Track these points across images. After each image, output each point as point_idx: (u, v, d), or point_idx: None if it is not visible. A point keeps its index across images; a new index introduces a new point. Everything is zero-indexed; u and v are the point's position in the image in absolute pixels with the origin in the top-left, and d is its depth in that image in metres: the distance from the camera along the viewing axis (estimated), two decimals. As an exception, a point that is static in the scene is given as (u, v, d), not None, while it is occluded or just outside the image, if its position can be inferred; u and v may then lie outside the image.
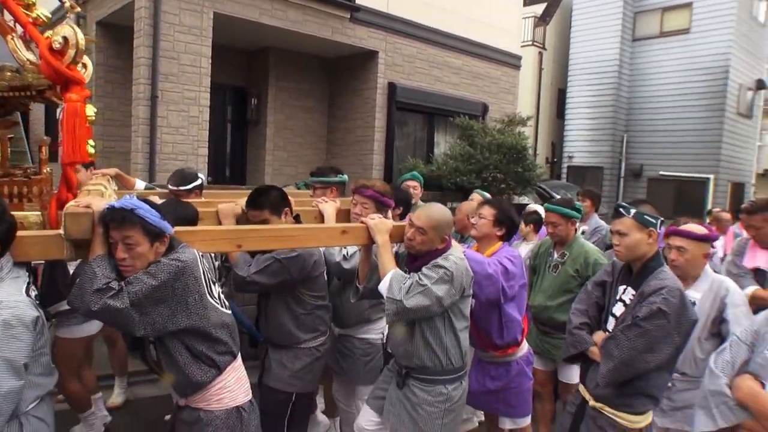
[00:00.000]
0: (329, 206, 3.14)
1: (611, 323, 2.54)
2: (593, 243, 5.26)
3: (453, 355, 2.55)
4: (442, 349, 2.52)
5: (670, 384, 2.75)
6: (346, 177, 3.97)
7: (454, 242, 2.67)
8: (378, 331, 3.34)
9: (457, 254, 2.55)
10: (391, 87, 8.65)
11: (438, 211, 2.61)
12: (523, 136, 8.74)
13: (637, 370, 2.35)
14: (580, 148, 16.75)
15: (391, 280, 2.44)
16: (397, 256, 2.73)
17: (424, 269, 2.46)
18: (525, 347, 3.23)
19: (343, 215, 3.17)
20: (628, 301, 2.49)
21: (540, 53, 16.38)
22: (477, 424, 4.09)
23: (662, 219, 2.52)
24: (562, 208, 3.75)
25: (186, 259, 1.94)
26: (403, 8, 8.69)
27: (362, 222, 2.64)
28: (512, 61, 10.55)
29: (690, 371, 2.87)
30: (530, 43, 16.07)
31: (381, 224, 2.59)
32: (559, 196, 10.34)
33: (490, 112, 10.09)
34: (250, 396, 2.17)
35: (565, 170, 17.01)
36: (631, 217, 2.48)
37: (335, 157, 9.37)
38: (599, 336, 2.54)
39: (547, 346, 3.71)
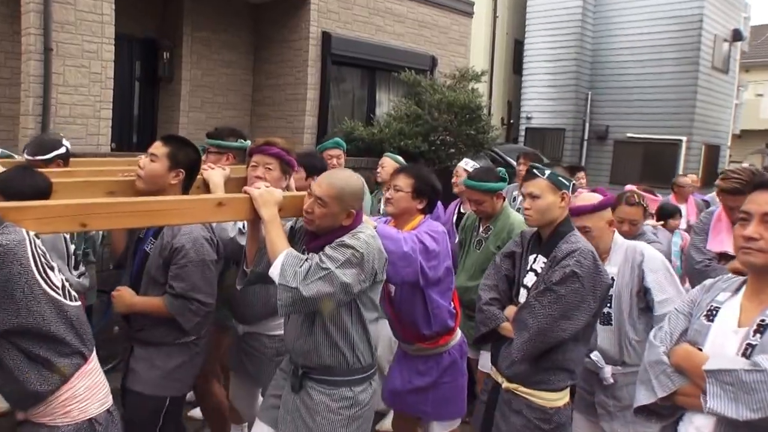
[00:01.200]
0: (216, 173, 3.01)
1: (523, 296, 2.71)
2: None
3: (361, 352, 2.48)
4: (347, 344, 2.45)
5: (612, 380, 2.97)
6: (249, 143, 3.80)
7: (365, 218, 2.67)
8: None
9: (368, 232, 2.47)
10: (326, 37, 8.81)
11: (343, 177, 2.51)
12: (477, 94, 9.04)
13: (554, 339, 2.52)
14: (539, 108, 17.30)
15: (283, 263, 2.29)
16: (293, 232, 2.71)
17: (327, 249, 2.36)
18: (458, 336, 3.26)
19: (235, 185, 3.02)
20: (539, 270, 2.67)
21: (494, -1, 16.76)
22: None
23: (574, 182, 2.78)
24: (484, 183, 3.83)
25: (8, 242, 1.77)
26: (337, -54, 8.83)
27: (245, 191, 2.51)
28: (463, 8, 10.86)
29: (629, 359, 2.99)
30: (483, -14, 16.40)
31: (267, 194, 2.46)
32: (515, 163, 10.85)
33: (440, 67, 10.38)
34: (107, 405, 2.07)
35: (522, 133, 17.53)
36: (546, 178, 2.67)
37: (262, 119, 9.50)
38: (510, 310, 2.72)
39: (471, 332, 3.61)
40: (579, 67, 16.65)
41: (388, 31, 9.69)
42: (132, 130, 9.18)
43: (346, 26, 9.13)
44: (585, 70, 16.87)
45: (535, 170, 2.73)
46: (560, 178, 2.69)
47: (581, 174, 6.51)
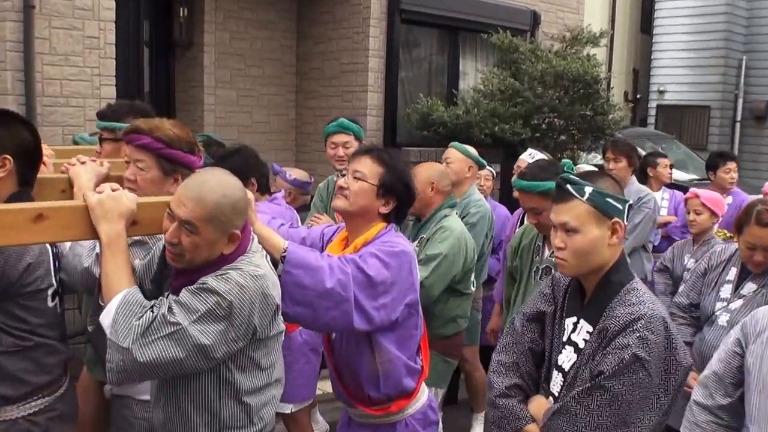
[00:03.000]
0: (83, 169, 2.78)
1: (556, 382, 2.40)
2: (643, 223, 5.60)
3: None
4: (211, 425, 2.27)
5: None
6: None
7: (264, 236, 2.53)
8: None
9: (247, 268, 2.23)
10: (393, -11, 8.59)
11: (215, 186, 2.23)
12: (595, 62, 8.63)
13: None
14: (675, 79, 16.84)
15: (116, 310, 2.10)
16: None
17: (183, 293, 2.15)
18: (422, 399, 3.00)
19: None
20: (582, 345, 2.33)
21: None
22: None
23: (630, 202, 2.39)
24: (542, 183, 3.47)
25: None
26: None
27: (85, 199, 2.26)
28: (575, -53, 10.46)
29: None
30: None
31: (110, 202, 2.21)
32: (644, 153, 10.46)
33: (543, 26, 10.03)
34: None
35: (653, 111, 17.06)
36: (586, 200, 2.27)
37: (310, 96, 9.35)
38: (539, 405, 2.39)
39: None
40: (729, 25, 16.11)
41: (475, -20, 9.37)
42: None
43: (420, -27, 8.86)
44: (738, 29, 16.38)
45: (568, 186, 2.32)
46: (609, 200, 2.27)
47: (732, 165, 6.52)
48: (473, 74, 9.74)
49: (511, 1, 9.73)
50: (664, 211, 6.59)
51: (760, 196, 5.98)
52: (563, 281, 2.49)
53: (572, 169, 3.52)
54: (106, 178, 2.75)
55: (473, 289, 4.47)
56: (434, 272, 3.91)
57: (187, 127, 2.99)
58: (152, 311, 2.10)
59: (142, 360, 2.03)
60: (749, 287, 3.65)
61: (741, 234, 3.54)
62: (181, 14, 8.67)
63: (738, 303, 3.64)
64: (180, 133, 2.81)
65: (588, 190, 2.25)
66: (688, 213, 4.98)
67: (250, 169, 4.03)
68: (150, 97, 9.11)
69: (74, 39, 6.74)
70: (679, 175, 9.65)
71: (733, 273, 3.77)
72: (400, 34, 8.74)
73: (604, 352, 2.20)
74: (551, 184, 3.16)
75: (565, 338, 2.37)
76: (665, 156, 7.01)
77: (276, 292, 2.30)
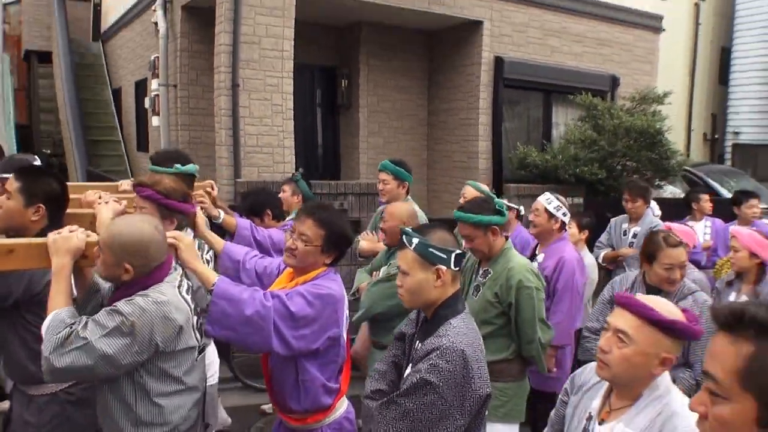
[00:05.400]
0: (105, 209, 2.75)
1: None
2: None
3: (148, 429, 2.21)
4: (129, 420, 2.19)
5: None
6: (190, 167, 3.64)
7: (174, 274, 2.33)
8: None
9: (153, 296, 2.16)
10: (498, 61, 8.66)
11: (120, 225, 2.22)
12: (659, 117, 8.38)
13: None
14: (750, 122, 15.65)
15: (48, 325, 2.08)
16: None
17: (100, 313, 2.11)
18: (339, 411, 2.73)
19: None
20: None
21: (696, 5, 15.48)
22: None
23: (456, 251, 2.17)
24: (473, 216, 3.22)
25: None
26: (513, -32, 8.64)
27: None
28: (650, 23, 10.12)
29: None
30: (684, -7, 15.24)
31: (62, 241, 2.20)
32: (721, 187, 9.83)
33: (622, 86, 9.77)
34: None
35: (728, 150, 15.96)
36: (413, 250, 2.14)
37: (438, 142, 9.56)
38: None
39: None
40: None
41: (564, 52, 9.30)
42: (317, 156, 9.71)
43: (520, 49, 8.90)
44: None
45: (404, 237, 2.19)
46: (432, 250, 2.13)
47: (754, 201, 6.05)
48: (563, 125, 9.62)
49: (594, 67, 9.56)
50: (707, 237, 6.30)
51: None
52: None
53: (503, 207, 3.29)
54: (123, 214, 2.74)
55: None
56: (374, 292, 3.62)
57: (181, 182, 2.99)
58: (70, 328, 2.06)
59: (59, 366, 2.01)
60: None
61: (655, 260, 3.16)
62: (343, 85, 9.15)
63: None
64: (176, 187, 2.80)
65: (415, 241, 2.14)
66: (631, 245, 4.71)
67: (265, 203, 4.38)
68: (322, 144, 9.72)
69: (265, 106, 7.32)
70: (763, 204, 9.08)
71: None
72: (503, 96, 8.79)
73: (408, 374, 2.12)
74: (482, 218, 3.17)
75: (411, 356, 2.24)
76: (706, 192, 6.66)
77: (179, 316, 2.21)
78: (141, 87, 10.74)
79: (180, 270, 2.43)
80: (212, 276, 2.43)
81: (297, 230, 2.58)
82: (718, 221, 6.36)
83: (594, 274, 4.74)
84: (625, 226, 5.67)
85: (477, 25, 8.60)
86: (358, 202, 7.02)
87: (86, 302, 2.36)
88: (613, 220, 5.89)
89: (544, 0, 9.03)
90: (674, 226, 4.33)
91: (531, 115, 9.58)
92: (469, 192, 4.84)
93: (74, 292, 2.37)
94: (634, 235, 5.50)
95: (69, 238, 2.22)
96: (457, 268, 2.19)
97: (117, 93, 13.04)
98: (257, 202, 4.39)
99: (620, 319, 1.85)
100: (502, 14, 8.73)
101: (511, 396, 3.20)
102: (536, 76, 9.04)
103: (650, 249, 3.22)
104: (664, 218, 5.91)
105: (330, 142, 9.70)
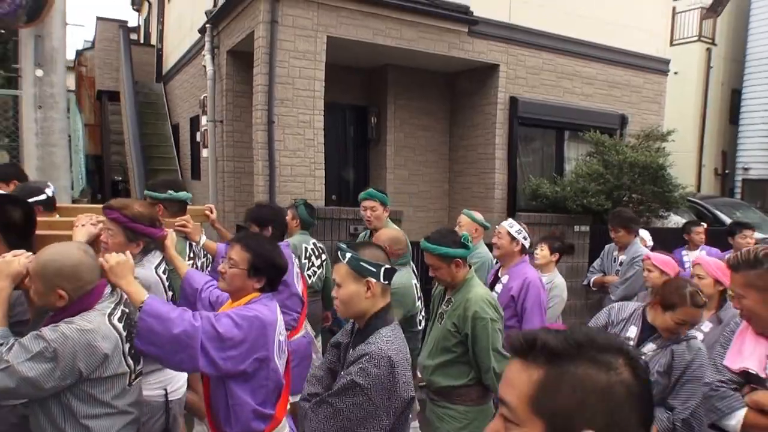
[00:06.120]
0: (80, 231, 2.68)
1: None
2: (633, 278, 5.11)
3: None
4: None
5: None
6: (182, 195, 3.68)
7: (106, 299, 2.25)
8: (156, 385, 2.89)
9: (79, 323, 2.08)
10: (513, 101, 8.70)
11: (52, 252, 2.15)
12: (662, 153, 8.29)
13: None
14: (758, 158, 15.32)
15: None
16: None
17: (26, 337, 2.04)
18: None
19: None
20: None
21: (708, 50, 15.30)
22: None
23: (386, 265, 2.17)
24: (438, 248, 3.13)
25: None
26: (527, 17, 8.70)
27: None
28: (658, 66, 10.06)
29: None
30: (696, 38, 15.09)
31: (4, 265, 2.14)
32: (726, 218, 9.65)
33: (631, 124, 9.69)
34: None
35: (738, 184, 15.63)
36: (346, 263, 2.18)
37: (458, 175, 9.62)
38: None
39: (432, 417, 3.23)
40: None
41: (576, 93, 9.29)
42: (349, 185, 9.85)
43: (533, 90, 8.92)
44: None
45: (339, 252, 2.22)
46: (363, 264, 2.16)
47: (748, 232, 6.07)
48: (575, 159, 9.58)
49: (603, 107, 9.52)
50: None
51: None
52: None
53: (467, 239, 3.20)
54: (98, 236, 2.70)
55: (419, 327, 4.12)
56: None
57: (151, 206, 2.94)
58: (3, 346, 2.01)
59: None
60: (649, 347, 2.98)
61: (672, 311, 2.89)
62: (372, 122, 9.31)
63: None
64: (143, 212, 2.73)
65: (348, 255, 2.17)
66: (617, 272, 4.58)
67: (269, 220, 4.08)
68: (354, 175, 9.85)
69: (298, 140, 7.47)
70: (757, 235, 8.93)
71: (633, 331, 3.05)
72: (518, 133, 8.82)
73: (340, 376, 2.14)
74: (447, 250, 3.10)
75: (346, 363, 2.22)
76: (700, 224, 6.60)
77: (105, 344, 2.12)
78: (195, 123, 11.11)
79: (117, 297, 2.35)
80: (142, 295, 2.33)
81: (228, 255, 2.54)
82: (715, 250, 6.26)
83: (564, 294, 4.70)
84: (615, 253, 5.63)
85: (494, 68, 8.67)
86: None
87: (37, 323, 2.25)
88: (607, 246, 5.87)
89: (557, 46, 9.05)
90: (654, 255, 4.28)
91: (544, 151, 9.56)
92: (465, 221, 4.81)
93: (29, 314, 2.35)
94: (621, 263, 5.46)
95: (10, 262, 2.16)
96: (387, 282, 2.21)
97: (176, 128, 13.53)
98: (261, 216, 4.14)
99: None
100: (518, 59, 8.78)
101: (471, 419, 3.12)
102: (549, 115, 9.05)
103: (672, 300, 2.91)
104: (667, 247, 5.85)
105: (361, 172, 9.83)
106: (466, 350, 3.13)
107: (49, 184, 3.56)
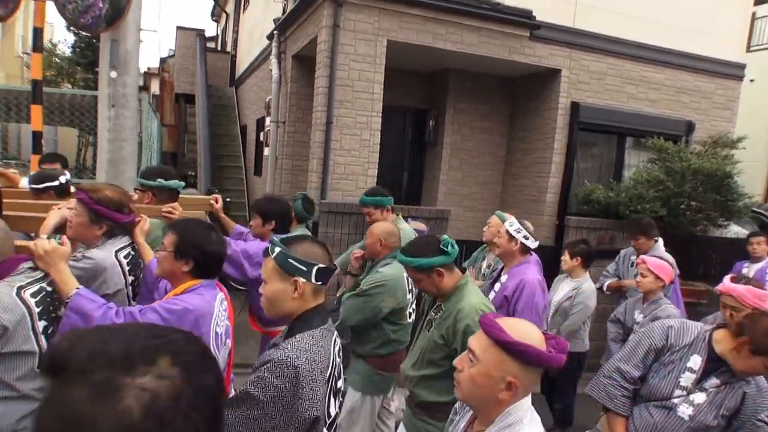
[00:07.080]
0: (53, 214, 2.74)
1: None
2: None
3: None
4: None
5: None
6: (172, 183, 3.66)
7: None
8: None
9: None
10: (574, 107, 8.60)
11: None
12: (730, 161, 7.96)
13: None
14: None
15: None
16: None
17: None
18: None
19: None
20: None
21: (790, 58, 14.53)
22: None
23: (319, 265, 1.98)
24: (413, 260, 2.87)
25: None
26: (592, 21, 8.59)
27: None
28: (732, 72, 9.65)
29: None
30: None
31: (54, 252, 2.18)
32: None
33: (699, 131, 9.35)
34: None
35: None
36: (273, 259, 1.98)
37: (513, 177, 9.60)
38: None
39: (411, 429, 3.03)
40: None
41: (640, 99, 9.05)
42: (403, 184, 10.02)
43: (596, 95, 8.77)
44: None
45: (269, 246, 2.03)
46: (291, 261, 1.96)
47: (758, 239, 5.96)
48: (635, 168, 9.30)
49: (670, 113, 9.23)
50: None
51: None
52: None
53: (449, 244, 2.91)
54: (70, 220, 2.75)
55: (409, 320, 3.90)
56: (349, 306, 3.55)
57: (124, 192, 2.91)
58: None
59: None
60: (712, 382, 2.62)
61: (764, 356, 2.47)
62: (431, 125, 9.42)
63: (700, 397, 2.61)
64: (112, 196, 2.72)
65: (276, 250, 1.98)
66: (636, 276, 4.48)
67: (274, 213, 4.01)
68: (408, 174, 10.04)
69: (354, 140, 7.68)
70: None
71: (696, 361, 2.66)
72: (578, 138, 8.70)
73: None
74: (421, 261, 2.86)
75: None
76: (760, 235, 6.37)
77: (6, 316, 2.01)
78: (260, 124, 11.61)
79: (39, 274, 2.29)
80: (71, 287, 2.26)
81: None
82: None
83: (590, 301, 4.61)
84: (633, 258, 5.54)
85: (555, 73, 8.61)
86: (428, 224, 7.20)
87: None
88: (622, 251, 5.86)
89: (624, 50, 8.86)
90: (649, 259, 4.25)
91: (604, 156, 9.37)
92: (495, 222, 4.70)
93: None
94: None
95: (57, 248, 2.25)
96: (320, 282, 2.01)
97: (244, 129, 14.18)
98: (267, 209, 4.06)
99: (474, 338, 1.71)
100: (581, 63, 8.67)
101: None
102: (611, 121, 8.86)
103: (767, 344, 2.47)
104: (725, 257, 5.71)
105: (417, 173, 9.98)
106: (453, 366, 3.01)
107: (65, 172, 3.76)
